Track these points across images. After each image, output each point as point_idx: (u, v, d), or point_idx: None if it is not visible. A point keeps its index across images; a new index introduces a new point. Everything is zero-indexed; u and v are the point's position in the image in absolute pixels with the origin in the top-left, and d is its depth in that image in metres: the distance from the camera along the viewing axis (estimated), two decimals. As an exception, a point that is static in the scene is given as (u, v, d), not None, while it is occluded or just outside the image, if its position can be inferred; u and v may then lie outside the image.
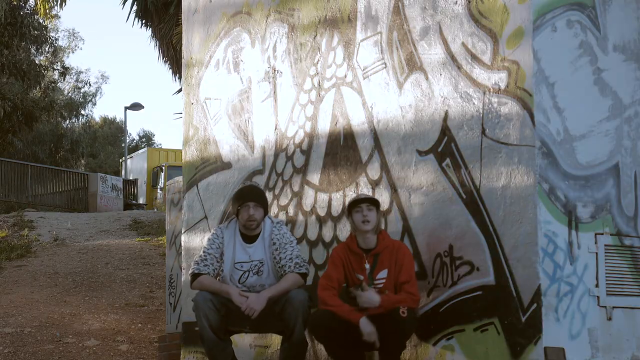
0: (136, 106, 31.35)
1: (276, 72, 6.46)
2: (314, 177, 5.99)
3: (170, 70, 17.43)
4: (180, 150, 17.71)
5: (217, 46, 7.17)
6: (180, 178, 8.18)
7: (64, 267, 12.41)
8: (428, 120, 5.09)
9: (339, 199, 5.72)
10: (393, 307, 4.74)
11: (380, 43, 5.48)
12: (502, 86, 4.62)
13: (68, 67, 34.16)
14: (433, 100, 5.06)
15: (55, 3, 14.78)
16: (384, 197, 5.37)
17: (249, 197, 5.31)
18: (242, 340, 6.25)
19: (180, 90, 15.07)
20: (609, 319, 4.56)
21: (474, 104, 4.79)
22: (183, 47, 7.70)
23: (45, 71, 29.18)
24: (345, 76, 5.77)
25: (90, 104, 38.34)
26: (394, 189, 5.31)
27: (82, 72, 39.52)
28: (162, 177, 25.73)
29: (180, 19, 8.38)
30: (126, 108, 31.51)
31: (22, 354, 8.34)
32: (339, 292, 5.04)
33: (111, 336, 9.08)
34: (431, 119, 5.06)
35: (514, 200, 4.52)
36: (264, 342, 6.18)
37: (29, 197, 22.72)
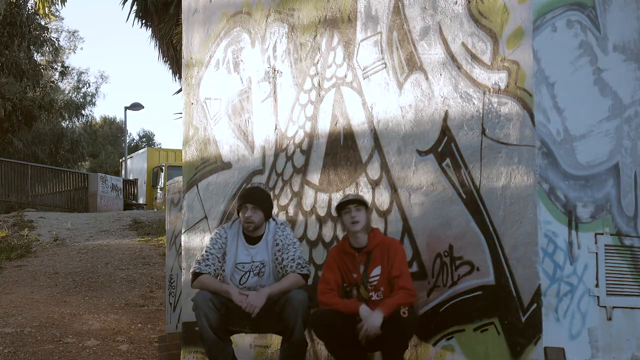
0: (136, 106, 31.35)
1: (276, 72, 6.46)
2: (314, 177, 5.99)
3: (170, 70, 17.44)
4: (180, 150, 17.72)
5: (217, 46, 7.17)
6: (180, 178, 8.18)
7: (64, 267, 12.41)
8: (428, 120, 5.09)
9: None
10: (395, 308, 4.74)
11: (380, 43, 5.48)
12: (502, 86, 4.62)
13: (67, 67, 34.16)
14: (433, 100, 5.06)
15: (55, 1, 14.75)
16: (384, 197, 5.37)
17: (249, 199, 5.32)
18: (242, 340, 6.25)
19: (180, 90, 15.06)
20: (609, 319, 4.56)
21: (474, 104, 4.79)
22: (183, 47, 7.70)
23: (45, 71, 29.19)
24: (345, 76, 5.77)
25: (90, 104, 38.32)
26: (394, 189, 5.31)
27: (83, 73, 39.54)
28: (162, 177, 25.73)
29: (180, 19, 8.38)
30: (126, 108, 31.51)
31: (22, 354, 8.34)
32: (339, 294, 5.05)
33: (111, 336, 9.08)
34: (431, 119, 5.06)
35: (514, 200, 4.52)
36: (264, 342, 6.18)
37: (29, 197, 22.72)
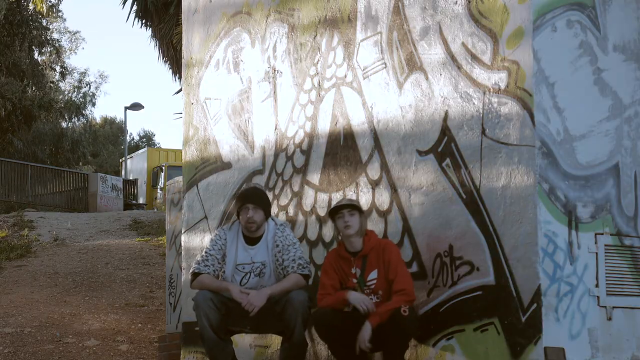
0: (136, 106, 31.35)
1: (276, 72, 6.46)
2: (314, 177, 5.99)
3: (170, 70, 17.44)
4: (180, 150, 17.72)
5: (217, 46, 7.17)
6: (180, 178, 8.18)
7: (64, 267, 12.41)
8: (428, 120, 5.09)
9: (339, 199, 5.72)
10: (390, 312, 4.74)
11: (380, 43, 5.48)
12: (502, 86, 4.62)
13: (66, 67, 34.17)
14: (433, 100, 5.06)
15: None
16: (384, 197, 5.37)
17: (249, 199, 5.31)
18: (242, 340, 6.25)
19: (180, 90, 15.07)
20: (609, 319, 4.56)
21: (474, 104, 4.79)
22: (183, 47, 7.70)
23: (45, 71, 29.18)
24: (345, 76, 5.77)
25: (90, 104, 38.33)
26: (394, 189, 5.31)
27: (83, 73, 39.56)
28: (162, 177, 25.74)
29: (180, 19, 8.38)
30: (126, 108, 31.51)
31: (22, 354, 8.34)
32: None
33: (111, 336, 9.08)
34: (431, 119, 5.06)
35: (514, 200, 4.52)
36: (264, 342, 6.18)
37: (29, 197, 22.72)
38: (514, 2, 4.59)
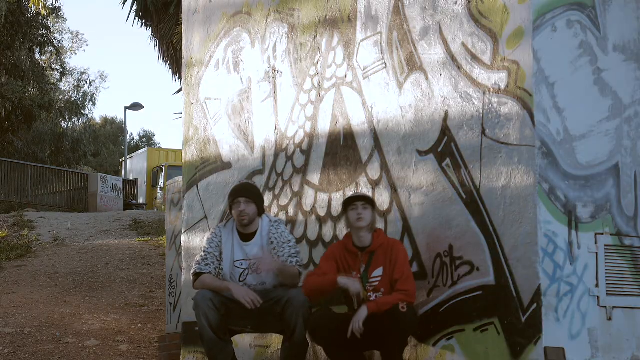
0: (136, 106, 31.36)
1: (276, 72, 6.46)
2: (314, 177, 5.99)
3: (170, 70, 17.43)
4: (180, 150, 17.72)
5: (217, 46, 7.17)
6: (180, 178, 8.18)
7: (64, 267, 12.41)
8: (428, 120, 5.09)
9: (339, 199, 5.72)
10: (388, 306, 4.73)
11: (380, 43, 5.48)
12: (502, 86, 4.62)
13: (66, 67, 34.19)
14: (433, 100, 5.06)
15: None
16: (384, 197, 5.37)
17: (240, 193, 5.34)
18: (242, 340, 6.25)
19: (180, 90, 15.07)
20: (609, 319, 4.56)
21: (474, 104, 4.79)
22: (183, 47, 7.70)
23: (45, 71, 29.18)
24: (345, 76, 5.77)
25: (90, 104, 38.37)
26: (394, 189, 5.31)
27: (83, 73, 39.59)
28: (162, 177, 25.74)
29: (180, 19, 8.38)
30: (126, 108, 31.52)
31: (22, 354, 8.34)
32: (332, 287, 5.02)
33: (111, 336, 9.08)
34: (431, 119, 5.06)
35: (514, 200, 4.52)
36: (264, 342, 6.18)
37: (29, 197, 22.72)
38: (514, 2, 4.59)
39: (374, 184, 5.46)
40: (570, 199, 4.52)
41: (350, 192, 5.62)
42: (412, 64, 5.22)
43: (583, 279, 4.51)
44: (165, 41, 16.45)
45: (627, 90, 4.79)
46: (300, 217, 6.09)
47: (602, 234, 4.60)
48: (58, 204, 23.34)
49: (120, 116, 48.61)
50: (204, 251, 5.38)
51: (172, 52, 16.34)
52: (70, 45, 37.98)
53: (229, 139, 6.94)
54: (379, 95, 5.46)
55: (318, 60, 6.04)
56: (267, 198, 6.39)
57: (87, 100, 37.68)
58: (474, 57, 4.80)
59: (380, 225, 5.33)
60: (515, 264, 4.48)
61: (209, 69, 7.28)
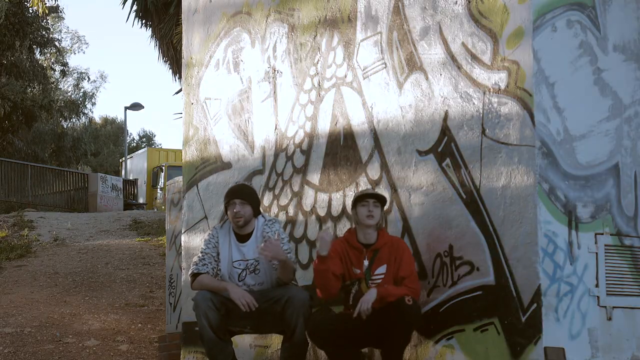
0: (136, 106, 31.36)
1: (276, 72, 6.46)
2: (314, 177, 5.99)
3: (170, 70, 17.44)
4: (180, 150, 17.72)
5: (217, 46, 7.17)
6: (180, 178, 8.18)
7: (64, 267, 12.41)
8: (428, 120, 5.09)
9: (339, 199, 5.72)
10: (394, 298, 4.73)
11: (380, 43, 5.48)
12: (502, 86, 4.62)
13: (67, 66, 34.19)
14: (433, 100, 5.06)
15: None
16: (384, 197, 5.37)
17: (235, 194, 5.33)
18: (242, 340, 6.25)
19: (180, 90, 15.06)
20: (609, 319, 4.56)
21: (474, 104, 4.79)
22: (183, 47, 7.70)
23: (46, 71, 29.18)
24: (345, 76, 5.77)
25: (90, 104, 38.39)
26: (394, 189, 5.31)
27: (83, 73, 39.59)
28: (162, 177, 25.74)
29: (180, 19, 8.38)
30: (126, 108, 31.52)
31: (22, 354, 8.34)
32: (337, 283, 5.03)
33: (111, 336, 9.08)
34: (431, 119, 5.06)
35: (514, 200, 4.52)
36: (264, 342, 6.18)
37: (29, 197, 22.72)
38: (514, 2, 4.59)
39: (374, 184, 5.46)
40: (570, 199, 4.52)
41: (350, 192, 5.62)
42: (412, 64, 5.22)
43: (583, 279, 4.51)
44: (165, 41, 16.45)
45: (627, 90, 4.78)
46: (300, 217, 6.09)
47: (602, 234, 4.60)
48: (58, 204, 23.33)
49: (120, 116, 48.63)
50: (202, 252, 5.38)
51: (172, 52, 16.34)
52: (69, 44, 37.99)
53: (229, 139, 6.94)
54: (379, 95, 5.46)
55: (318, 60, 6.04)
56: (267, 198, 6.40)
57: (87, 100, 37.71)
58: (474, 57, 4.80)
59: (383, 222, 5.32)
60: (515, 264, 4.48)
61: (209, 69, 7.27)
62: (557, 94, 4.54)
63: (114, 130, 47.42)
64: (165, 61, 17.38)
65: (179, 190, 8.27)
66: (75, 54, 42.20)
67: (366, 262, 4.98)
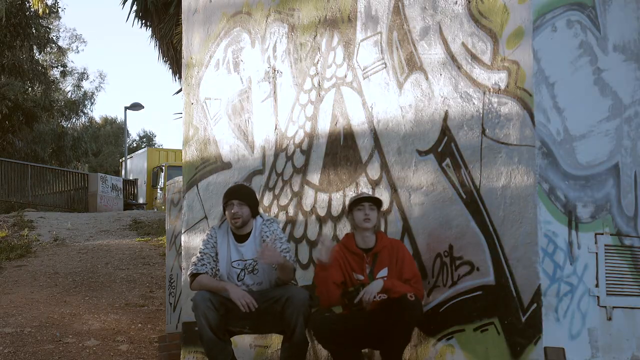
0: (136, 106, 31.36)
1: (276, 72, 6.46)
2: (314, 177, 5.99)
3: (170, 70, 17.43)
4: (180, 150, 17.71)
5: (217, 46, 7.17)
6: (180, 178, 8.18)
7: (64, 267, 12.41)
8: (428, 120, 5.09)
9: (339, 199, 5.72)
10: (397, 295, 4.73)
11: (380, 43, 5.48)
12: (502, 86, 4.62)
13: (67, 67, 34.20)
14: (433, 100, 5.06)
15: None
16: (384, 197, 5.36)
17: (233, 195, 5.33)
18: (242, 340, 6.25)
19: (180, 90, 15.06)
20: (609, 319, 4.56)
21: (474, 104, 4.79)
22: (183, 47, 7.70)
23: (45, 70, 29.18)
24: (345, 76, 5.77)
25: (89, 104, 38.40)
26: (394, 189, 5.31)
27: (83, 73, 39.61)
28: (162, 177, 25.73)
29: (180, 19, 8.38)
30: (126, 108, 31.52)
31: (22, 354, 8.34)
32: (339, 290, 5.03)
33: (111, 336, 9.08)
34: (431, 119, 5.06)
35: (514, 200, 4.52)
36: (264, 342, 6.18)
37: (29, 197, 22.71)
38: (514, 2, 4.59)
39: (374, 184, 5.46)
40: (570, 199, 4.52)
41: (350, 192, 5.62)
42: (412, 64, 5.22)
43: (583, 279, 4.51)
44: (165, 41, 16.44)
45: (627, 90, 4.79)
46: (300, 217, 6.09)
47: (602, 234, 4.60)
48: (58, 204, 23.33)
49: (120, 116, 48.66)
50: (200, 252, 5.37)
51: (172, 52, 16.33)
52: (68, 43, 38.01)
53: (229, 139, 6.94)
54: (379, 95, 5.46)
55: (318, 60, 6.04)
56: (267, 198, 6.40)
57: (87, 99, 37.71)
58: (474, 57, 4.80)
59: (380, 225, 5.32)
60: (515, 264, 4.48)
61: (209, 69, 7.27)
62: (557, 94, 4.54)
63: (114, 130, 47.42)
64: (165, 61, 17.38)
65: (179, 190, 8.27)
66: (74, 52, 42.25)
67: (368, 267, 4.97)
